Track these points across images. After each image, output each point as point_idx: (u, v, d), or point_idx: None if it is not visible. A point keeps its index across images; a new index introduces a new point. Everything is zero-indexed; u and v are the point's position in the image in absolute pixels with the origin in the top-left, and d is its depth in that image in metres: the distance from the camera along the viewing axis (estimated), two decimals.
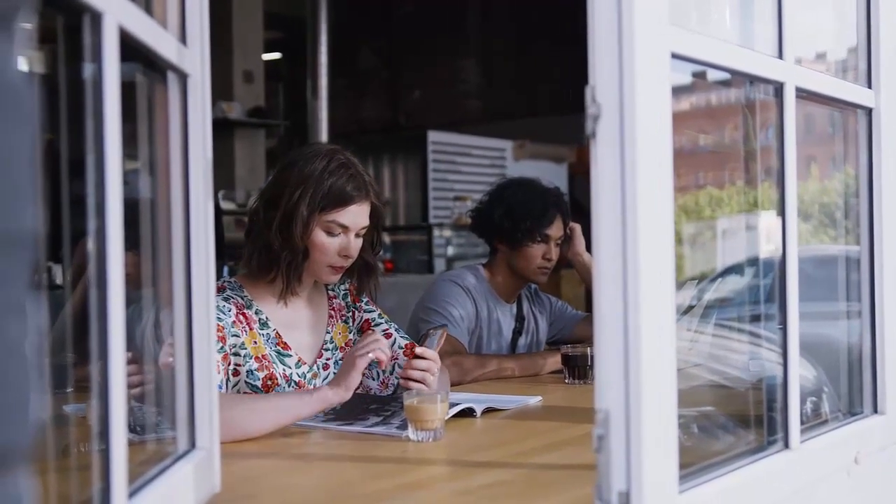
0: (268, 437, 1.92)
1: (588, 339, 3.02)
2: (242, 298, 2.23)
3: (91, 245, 1.01)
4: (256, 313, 2.24)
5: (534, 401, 2.35)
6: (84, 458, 1.34)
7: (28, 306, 0.58)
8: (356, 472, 1.69)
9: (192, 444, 1.37)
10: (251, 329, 2.20)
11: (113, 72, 1.01)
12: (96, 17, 0.99)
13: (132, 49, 1.11)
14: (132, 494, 1.09)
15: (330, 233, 2.20)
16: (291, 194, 2.17)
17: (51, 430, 1.20)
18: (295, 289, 2.27)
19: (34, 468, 0.64)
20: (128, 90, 1.07)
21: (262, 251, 2.21)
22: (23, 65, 0.63)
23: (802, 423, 1.56)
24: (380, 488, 1.56)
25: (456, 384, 2.67)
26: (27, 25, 0.64)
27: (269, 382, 2.18)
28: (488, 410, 2.19)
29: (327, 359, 2.34)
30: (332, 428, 2.00)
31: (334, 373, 2.30)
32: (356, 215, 2.22)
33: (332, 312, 2.39)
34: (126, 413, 1.04)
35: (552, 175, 5.78)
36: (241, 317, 2.19)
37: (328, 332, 2.36)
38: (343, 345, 2.37)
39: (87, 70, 1.01)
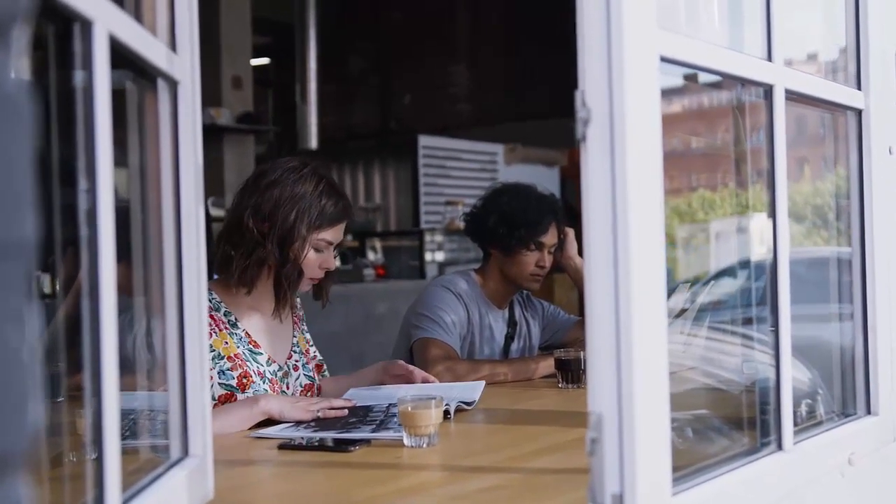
0: (261, 445, 1.92)
1: (581, 344, 3.02)
2: (210, 301, 2.27)
3: (83, 253, 1.00)
4: (225, 315, 2.30)
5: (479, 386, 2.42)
6: (73, 466, 1.34)
7: (26, 314, 0.58)
8: (351, 478, 1.69)
9: (186, 452, 1.37)
10: (221, 330, 2.26)
11: (104, 79, 1.01)
12: (86, 25, 0.99)
13: (121, 56, 1.11)
14: (125, 502, 1.09)
15: (317, 249, 2.31)
16: (287, 214, 2.25)
17: (44, 440, 1.19)
18: (292, 302, 2.36)
19: (32, 476, 0.64)
20: (117, 97, 1.07)
21: (255, 266, 2.27)
22: (20, 73, 0.63)
23: (797, 424, 1.56)
24: (375, 494, 1.56)
25: None
26: (24, 34, 0.64)
27: (245, 380, 2.25)
28: (460, 410, 2.21)
29: (296, 360, 2.43)
30: (329, 436, 1.96)
31: (304, 374, 2.43)
32: (341, 232, 2.36)
33: (296, 320, 2.50)
34: (119, 422, 1.03)
35: (543, 179, 5.78)
36: (209, 319, 2.22)
37: (294, 337, 2.46)
38: (304, 351, 2.48)
39: (78, 77, 1.01)
